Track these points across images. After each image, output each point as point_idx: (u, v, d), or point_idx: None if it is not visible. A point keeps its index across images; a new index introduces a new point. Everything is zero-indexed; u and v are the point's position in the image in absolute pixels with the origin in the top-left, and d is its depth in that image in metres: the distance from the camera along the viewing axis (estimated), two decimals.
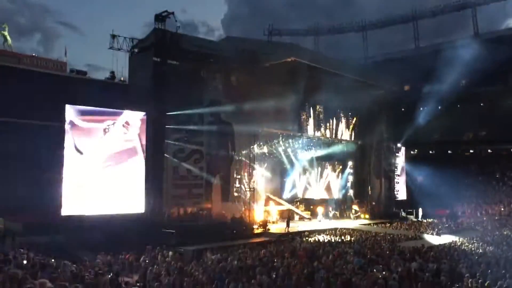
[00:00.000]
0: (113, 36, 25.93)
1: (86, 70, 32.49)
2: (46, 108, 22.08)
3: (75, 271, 10.70)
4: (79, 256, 17.12)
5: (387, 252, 18.60)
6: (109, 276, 10.69)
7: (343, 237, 25.61)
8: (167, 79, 24.99)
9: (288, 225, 28.09)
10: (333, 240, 24.20)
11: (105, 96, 25.00)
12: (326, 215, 34.89)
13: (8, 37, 27.83)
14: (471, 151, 49.62)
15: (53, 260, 13.76)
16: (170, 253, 18.48)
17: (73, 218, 21.31)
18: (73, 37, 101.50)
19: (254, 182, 30.16)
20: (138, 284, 10.10)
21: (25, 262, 11.26)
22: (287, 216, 29.95)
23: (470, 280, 12.11)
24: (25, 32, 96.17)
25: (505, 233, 28.61)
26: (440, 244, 23.36)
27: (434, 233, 28.81)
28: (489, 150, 48.59)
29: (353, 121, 39.44)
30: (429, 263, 15.08)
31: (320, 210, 35.25)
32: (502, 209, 40.23)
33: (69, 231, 20.81)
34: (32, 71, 25.53)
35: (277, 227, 29.10)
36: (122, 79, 29.09)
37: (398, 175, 42.32)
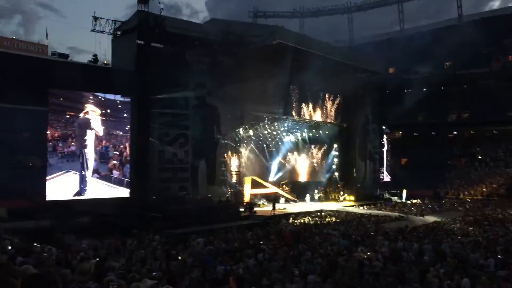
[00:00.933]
0: (95, 18, 25.46)
1: (68, 53, 31.88)
2: (28, 92, 21.62)
3: (60, 256, 10.64)
4: (65, 241, 17.03)
5: (372, 233, 18.87)
6: (95, 260, 10.65)
7: (328, 219, 25.87)
8: (151, 62, 24.69)
9: (274, 208, 28.21)
10: (318, 222, 24.45)
11: (88, 79, 24.61)
12: (312, 197, 35.14)
13: None
14: (454, 132, 50.22)
15: (38, 245, 13.67)
16: (157, 237, 18.49)
17: (58, 203, 21.17)
18: (54, 19, 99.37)
19: (239, 165, 30.13)
20: (124, 269, 10.09)
21: (9, 247, 11.17)
22: (273, 199, 30.07)
23: (453, 259, 12.36)
24: (4, 14, 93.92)
25: (487, 213, 29.20)
26: (423, 225, 23.76)
27: (418, 214, 29.26)
28: (472, 132, 49.21)
29: (338, 104, 39.57)
30: (412, 243, 15.34)
31: (306, 192, 35.45)
32: (484, 189, 41.00)
33: (55, 216, 20.68)
34: (13, 54, 24.90)
35: (263, 210, 29.27)
36: (105, 62, 28.58)
37: (383, 157, 42.69)
